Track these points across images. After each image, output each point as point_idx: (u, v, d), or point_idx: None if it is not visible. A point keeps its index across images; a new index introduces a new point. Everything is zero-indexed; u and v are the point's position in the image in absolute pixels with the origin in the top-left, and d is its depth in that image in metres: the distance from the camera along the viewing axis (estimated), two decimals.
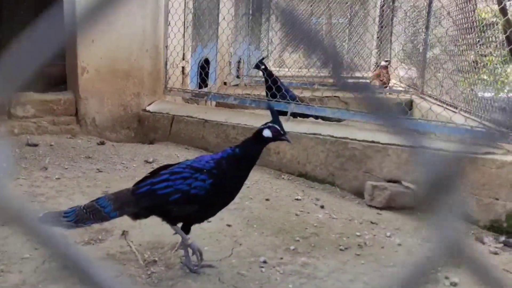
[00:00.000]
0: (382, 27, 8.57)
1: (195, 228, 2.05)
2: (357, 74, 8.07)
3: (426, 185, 0.56)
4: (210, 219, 2.19)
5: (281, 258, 2.22)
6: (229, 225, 2.54)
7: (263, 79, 4.86)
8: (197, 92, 5.11)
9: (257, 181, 3.31)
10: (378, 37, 8.61)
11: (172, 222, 1.97)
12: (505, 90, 4.08)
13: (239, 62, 7.30)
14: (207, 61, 5.60)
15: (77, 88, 4.32)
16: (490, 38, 4.15)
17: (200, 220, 2.03)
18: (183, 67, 5.17)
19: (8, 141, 3.73)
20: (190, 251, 2.00)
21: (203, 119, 4.15)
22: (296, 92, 4.64)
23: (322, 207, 2.97)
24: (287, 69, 7.16)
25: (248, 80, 7.09)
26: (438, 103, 4.62)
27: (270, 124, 1.95)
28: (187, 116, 4.27)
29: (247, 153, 1.94)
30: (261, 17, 8.12)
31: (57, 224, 1.92)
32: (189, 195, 1.87)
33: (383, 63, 7.21)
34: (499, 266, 2.31)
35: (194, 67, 5.43)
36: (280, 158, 3.67)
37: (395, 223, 2.82)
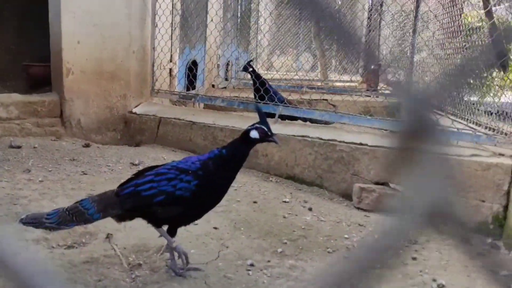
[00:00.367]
0: (370, 30, 8.63)
1: (181, 230, 2.02)
2: (345, 78, 8.10)
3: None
4: (196, 222, 2.16)
5: (269, 261, 2.20)
6: (216, 228, 2.51)
7: (251, 81, 4.84)
8: (184, 94, 5.06)
9: (244, 183, 3.28)
10: (366, 41, 8.66)
11: (157, 224, 1.93)
12: (491, 94, 4.12)
13: (227, 64, 7.28)
14: (195, 63, 5.56)
15: (62, 89, 4.26)
16: (476, 42, 4.19)
17: (186, 222, 2.00)
18: (170, 69, 5.13)
19: None
20: (176, 254, 1.97)
21: (190, 121, 4.11)
22: (284, 95, 4.63)
23: (310, 209, 2.96)
24: (275, 72, 7.17)
25: (236, 82, 7.07)
26: None
27: (257, 125, 1.93)
28: (174, 118, 4.22)
29: (234, 154, 1.91)
30: (249, 19, 8.11)
31: (39, 226, 1.88)
32: (174, 197, 1.84)
33: (372, 67, 7.25)
34: (487, 267, 2.31)
35: (181, 69, 5.39)
36: (268, 160, 3.64)
37: None
